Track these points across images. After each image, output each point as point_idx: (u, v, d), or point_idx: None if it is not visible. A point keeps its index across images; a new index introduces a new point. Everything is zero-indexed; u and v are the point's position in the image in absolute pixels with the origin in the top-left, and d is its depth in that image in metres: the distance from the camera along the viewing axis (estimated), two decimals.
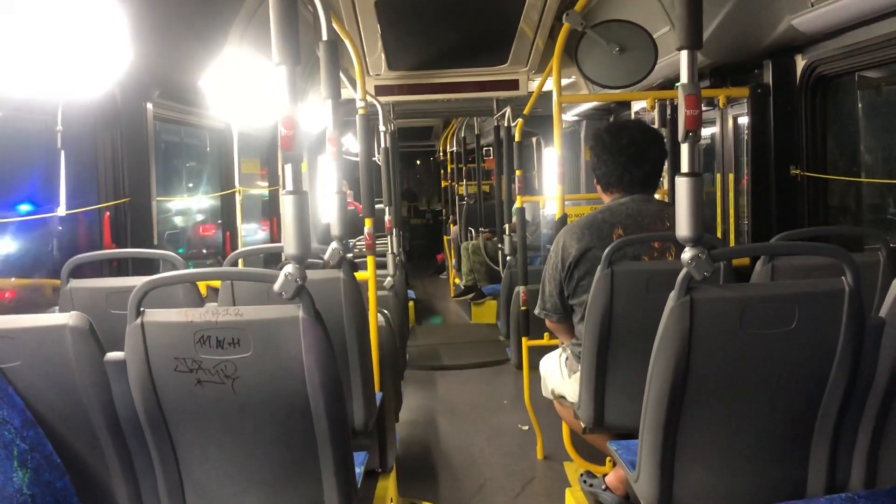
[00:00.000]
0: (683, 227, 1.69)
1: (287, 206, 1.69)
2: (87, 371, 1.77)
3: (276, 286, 1.68)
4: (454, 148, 10.57)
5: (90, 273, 2.95)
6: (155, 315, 1.76)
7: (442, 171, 12.95)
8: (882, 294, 2.17)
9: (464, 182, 9.87)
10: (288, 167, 1.70)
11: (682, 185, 1.68)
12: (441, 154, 12.63)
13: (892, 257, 2.38)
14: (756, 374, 1.81)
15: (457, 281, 9.12)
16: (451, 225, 10.58)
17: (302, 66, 3.63)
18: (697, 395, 1.80)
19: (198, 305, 2.42)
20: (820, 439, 1.85)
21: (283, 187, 1.72)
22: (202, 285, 3.09)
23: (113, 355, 1.78)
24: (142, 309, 1.75)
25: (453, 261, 9.71)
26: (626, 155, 2.67)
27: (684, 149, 1.69)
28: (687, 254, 1.69)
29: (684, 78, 1.66)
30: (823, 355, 1.77)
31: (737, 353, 1.78)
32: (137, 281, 1.81)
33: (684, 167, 1.69)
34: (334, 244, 2.42)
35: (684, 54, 1.67)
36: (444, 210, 12.80)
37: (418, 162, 16.81)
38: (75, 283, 2.52)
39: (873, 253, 2.45)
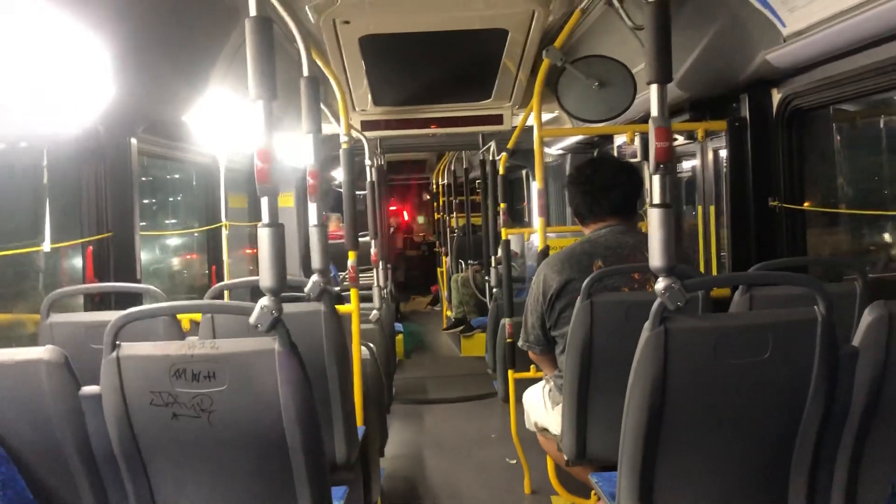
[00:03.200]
0: (656, 257, 1.71)
1: (263, 239, 1.70)
2: (61, 405, 1.76)
3: (252, 318, 1.69)
4: (446, 181, 10.66)
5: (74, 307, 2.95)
6: (131, 349, 1.76)
7: (435, 204, 13.02)
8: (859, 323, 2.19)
9: (454, 215, 9.92)
10: (264, 200, 1.71)
11: (655, 216, 1.70)
12: (434, 187, 12.72)
13: (868, 287, 2.40)
14: (732, 403, 1.81)
15: (448, 313, 9.12)
16: (444, 257, 10.62)
17: (288, 102, 3.67)
18: (674, 425, 1.80)
19: (178, 339, 2.42)
20: (798, 468, 1.85)
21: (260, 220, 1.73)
22: (186, 319, 3.08)
23: (88, 389, 1.78)
24: (117, 343, 1.75)
25: (445, 292, 9.73)
26: (593, 184, 2.75)
27: (656, 180, 1.71)
28: (660, 284, 1.71)
29: (655, 111, 1.70)
30: (799, 384, 1.78)
31: (712, 383, 1.79)
32: (118, 314, 1.81)
33: (656, 198, 1.71)
34: (315, 277, 2.42)
35: (654, 88, 1.71)
36: (437, 242, 12.87)
37: (414, 195, 16.88)
38: (55, 318, 2.51)
39: (851, 283, 2.47)
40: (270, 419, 1.74)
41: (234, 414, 1.75)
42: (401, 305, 10.85)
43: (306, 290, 2.41)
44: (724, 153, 3.39)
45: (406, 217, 16.40)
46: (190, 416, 1.75)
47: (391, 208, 14.82)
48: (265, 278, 1.71)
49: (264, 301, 1.69)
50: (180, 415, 1.75)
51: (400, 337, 7.44)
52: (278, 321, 1.70)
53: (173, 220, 5.52)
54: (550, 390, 2.88)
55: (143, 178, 4.83)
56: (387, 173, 8.48)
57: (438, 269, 11.33)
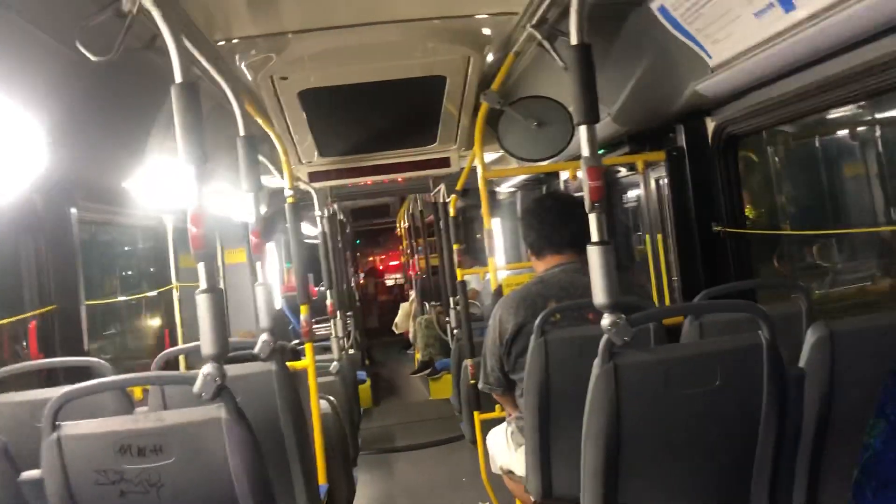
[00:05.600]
0: (599, 294, 1.72)
1: (201, 305, 1.68)
2: (0, 494, 1.69)
3: (196, 388, 1.65)
4: (407, 224, 10.67)
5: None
6: (73, 427, 1.70)
7: (400, 248, 13.04)
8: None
9: (415, 257, 9.92)
10: (201, 265, 1.69)
11: (594, 254, 1.72)
12: (398, 231, 12.73)
13: (812, 306, 2.44)
14: (687, 433, 1.82)
15: (418, 355, 9.06)
16: (410, 294, 10.59)
17: (234, 159, 3.66)
18: (632, 458, 1.80)
19: (128, 411, 2.35)
20: (758, 491, 1.86)
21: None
22: (138, 389, 3.01)
23: (29, 474, 1.72)
24: (57, 423, 1.69)
25: (410, 334, 9.68)
26: (552, 214, 2.75)
27: (592, 218, 1.73)
28: (606, 320, 1.72)
29: (585, 151, 1.73)
30: (750, 410, 1.80)
31: (666, 414, 1.79)
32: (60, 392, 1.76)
33: (594, 236, 1.73)
34: (264, 336, 2.39)
35: (583, 129, 1.74)
36: (405, 284, 12.87)
37: (381, 239, 16.83)
38: None
39: (797, 302, 2.51)
40: (222, 489, 1.70)
41: (183, 487, 1.70)
42: (372, 351, 10.74)
43: (256, 350, 2.37)
44: (664, 182, 3.45)
45: (374, 261, 16.39)
46: (138, 492, 1.70)
47: (359, 255, 14.81)
48: (206, 345, 1.68)
49: (207, 368, 1.65)
50: (128, 492, 1.70)
51: (366, 385, 7.36)
52: (223, 388, 1.66)
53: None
54: (513, 432, 2.85)
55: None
56: (350, 220, 8.45)
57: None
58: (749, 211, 3.23)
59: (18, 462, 1.77)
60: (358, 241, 15.11)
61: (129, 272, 5.60)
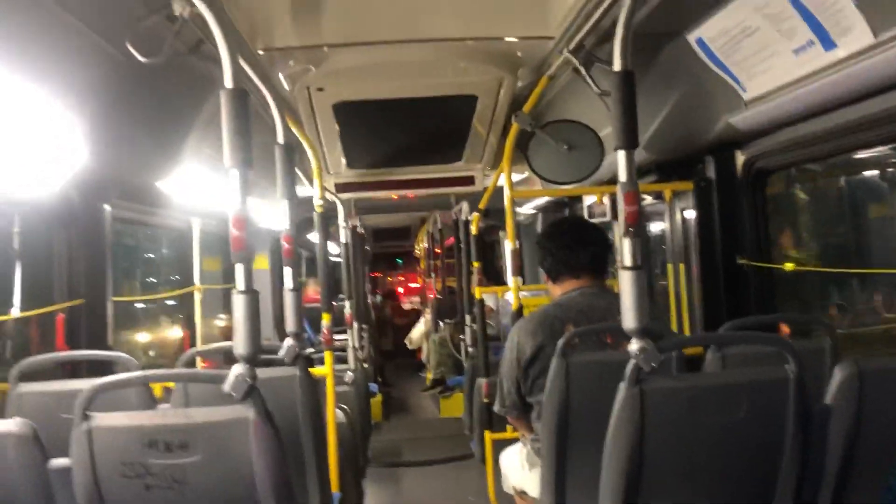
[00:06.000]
0: (629, 318, 1.73)
1: (237, 305, 1.70)
2: (30, 479, 1.72)
3: (227, 386, 1.67)
4: (426, 245, 10.71)
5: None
6: (102, 419, 1.73)
7: (418, 269, 13.05)
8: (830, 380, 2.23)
9: (432, 277, 9.94)
10: (239, 267, 1.72)
11: (626, 278, 1.73)
12: (417, 252, 12.75)
13: (836, 343, 2.44)
14: (709, 462, 1.82)
15: (430, 375, 9.06)
16: (425, 314, 10.58)
17: (261, 166, 3.71)
18: (653, 484, 1.80)
19: (150, 407, 2.38)
20: None
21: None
22: (158, 387, 3.03)
23: (58, 462, 1.74)
24: (88, 413, 1.72)
25: (423, 354, 9.68)
26: (570, 237, 2.76)
27: (626, 242, 1.75)
28: (634, 345, 1.73)
29: (623, 177, 1.75)
30: (774, 443, 1.79)
31: (689, 442, 1.79)
32: (89, 384, 1.79)
33: (627, 261, 1.74)
34: (289, 340, 2.41)
35: (621, 154, 1.76)
36: (422, 308, 12.84)
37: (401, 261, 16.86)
38: (24, 387, 2.46)
39: (820, 339, 2.51)
40: (245, 489, 1.71)
41: (207, 485, 1.72)
42: (385, 371, 10.75)
43: (281, 353, 2.40)
44: (691, 213, 3.46)
45: (392, 283, 16.42)
46: (162, 487, 1.72)
47: (375, 275, 14.85)
48: (239, 345, 1.70)
49: (238, 368, 1.68)
50: (153, 486, 1.72)
51: (377, 399, 7.36)
52: (253, 389, 1.69)
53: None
54: (528, 453, 2.85)
55: None
56: (371, 241, 8.48)
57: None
58: (799, 254, 3.22)
59: None
60: (379, 263, 15.17)
61: (150, 277, 5.66)
